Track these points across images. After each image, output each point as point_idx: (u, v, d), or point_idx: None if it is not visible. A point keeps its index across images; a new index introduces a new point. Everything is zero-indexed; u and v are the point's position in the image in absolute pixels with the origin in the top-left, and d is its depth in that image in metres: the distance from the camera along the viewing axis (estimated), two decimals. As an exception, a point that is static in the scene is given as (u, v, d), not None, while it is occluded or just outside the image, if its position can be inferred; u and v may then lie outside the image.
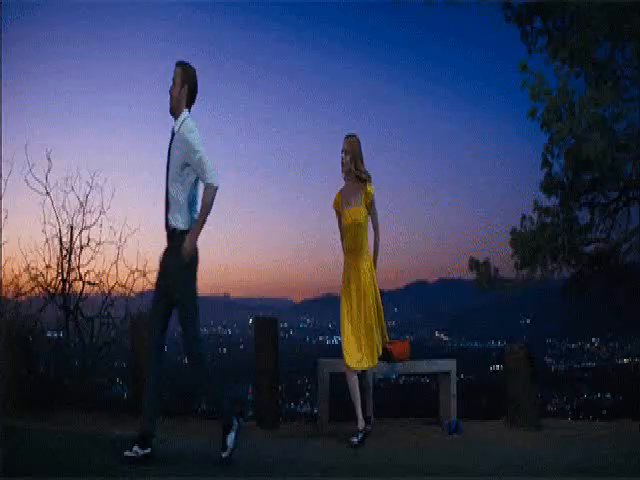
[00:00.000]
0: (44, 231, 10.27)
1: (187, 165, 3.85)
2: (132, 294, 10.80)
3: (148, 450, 3.93)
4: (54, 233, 10.16)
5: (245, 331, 64.32)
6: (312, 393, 49.12)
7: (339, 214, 4.88)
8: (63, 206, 11.07)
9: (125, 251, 10.48)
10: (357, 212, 4.71)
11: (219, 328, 64.78)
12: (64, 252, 10.20)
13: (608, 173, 7.84)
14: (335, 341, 58.65)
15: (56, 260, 10.07)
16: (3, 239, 9.93)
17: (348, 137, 4.74)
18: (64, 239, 10.20)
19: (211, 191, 3.81)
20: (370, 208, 4.77)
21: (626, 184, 8.96)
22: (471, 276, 9.30)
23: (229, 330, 64.04)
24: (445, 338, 50.25)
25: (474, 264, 9.04)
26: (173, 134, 4.01)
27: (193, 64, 4.11)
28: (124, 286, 10.72)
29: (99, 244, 10.30)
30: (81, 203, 10.44)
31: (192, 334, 4.02)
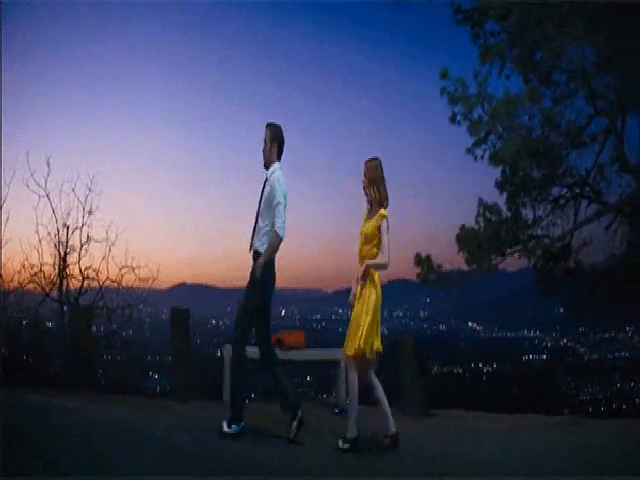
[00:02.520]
0: (37, 232, 11.78)
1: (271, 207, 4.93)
2: (122, 288, 12.35)
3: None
4: (53, 232, 11.68)
5: (278, 322, 66.07)
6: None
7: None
8: (60, 207, 12.58)
9: (114, 249, 11.98)
10: (368, 225, 4.99)
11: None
12: (60, 250, 11.72)
13: (521, 173, 8.66)
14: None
15: (52, 258, 11.58)
16: (4, 240, 11.49)
17: (367, 162, 5.11)
18: (61, 238, 11.73)
19: (276, 239, 4.86)
20: (380, 230, 4.97)
21: (575, 181, 9.80)
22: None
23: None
24: (478, 328, 50.57)
25: (419, 260, 9.95)
26: (266, 179, 5.06)
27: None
28: (115, 281, 12.22)
29: (87, 242, 11.85)
30: (82, 204, 11.95)
31: (234, 334, 5.11)
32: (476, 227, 9.89)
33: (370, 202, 5.09)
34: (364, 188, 5.09)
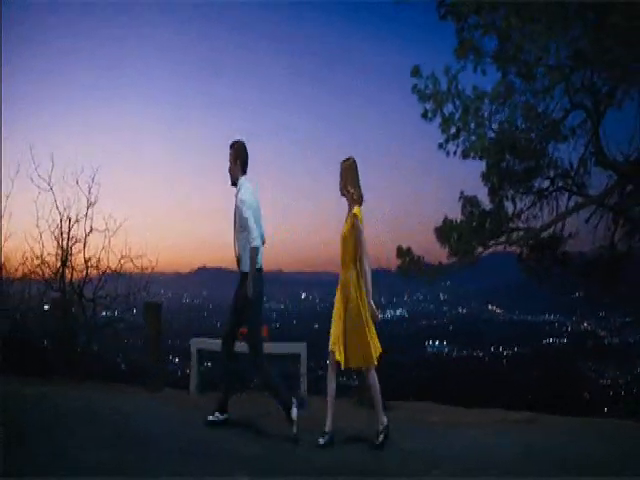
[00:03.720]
0: (37, 225, 12.34)
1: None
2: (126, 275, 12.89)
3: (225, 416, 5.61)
4: (55, 225, 12.23)
5: (297, 305, 66.55)
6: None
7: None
8: (62, 200, 13.11)
9: (114, 239, 12.53)
10: (345, 226, 5.14)
11: (272, 303, 67.66)
12: (63, 241, 12.27)
13: (503, 165, 8.85)
14: (388, 315, 59.74)
15: (55, 249, 12.14)
16: (8, 233, 12.05)
17: (342, 162, 5.23)
18: (64, 230, 12.28)
19: (253, 252, 5.19)
20: (353, 230, 5.10)
21: (557, 173, 9.93)
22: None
23: (281, 305, 66.49)
24: (498, 311, 50.59)
25: (400, 252, 10.19)
26: (235, 197, 5.40)
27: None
28: (115, 270, 12.75)
29: (90, 233, 12.39)
30: (86, 196, 12.48)
31: (256, 359, 5.64)
32: (457, 219, 10.07)
33: (346, 200, 5.24)
34: (340, 189, 5.23)
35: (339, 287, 5.26)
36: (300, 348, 7.50)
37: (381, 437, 5.29)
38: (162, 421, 5.94)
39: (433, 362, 48.23)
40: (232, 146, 5.48)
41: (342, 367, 5.20)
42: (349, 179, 5.16)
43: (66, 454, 4.57)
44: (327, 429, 5.23)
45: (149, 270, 13.99)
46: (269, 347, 7.69)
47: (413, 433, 6.28)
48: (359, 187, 5.18)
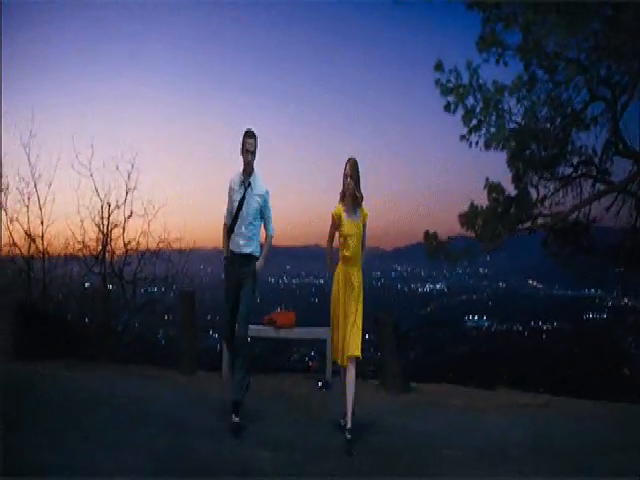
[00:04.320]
0: (79, 212, 13.08)
1: (260, 213, 5.48)
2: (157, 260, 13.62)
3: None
4: (96, 211, 12.98)
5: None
6: (401, 340, 50.90)
7: (336, 223, 5.36)
8: (102, 187, 13.83)
9: (152, 223, 13.24)
10: (358, 226, 5.30)
11: (311, 278, 68.51)
12: (104, 226, 13.01)
13: (527, 152, 9.12)
14: (427, 289, 59.99)
15: (95, 234, 12.89)
16: (51, 218, 12.80)
17: (351, 162, 5.25)
18: (104, 214, 13.03)
19: (271, 239, 5.60)
20: (364, 228, 5.40)
21: (581, 160, 10.13)
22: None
23: (321, 280, 67.15)
24: (538, 286, 50.25)
25: (427, 236, 10.60)
26: (247, 187, 5.44)
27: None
28: (154, 252, 13.48)
29: (130, 217, 13.10)
30: (125, 180, 13.19)
31: (244, 333, 5.49)
32: (483, 206, 10.37)
33: (344, 199, 5.34)
34: (348, 187, 5.26)
35: (341, 282, 5.34)
36: (326, 333, 7.69)
37: (349, 436, 5.17)
38: (194, 403, 6.54)
39: (472, 336, 48.33)
40: (254, 135, 5.42)
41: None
42: (358, 180, 5.26)
43: (111, 432, 5.23)
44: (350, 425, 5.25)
45: (187, 250, 14.75)
46: (297, 332, 8.30)
47: (430, 415, 6.76)
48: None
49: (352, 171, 5.24)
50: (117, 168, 13.92)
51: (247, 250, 5.47)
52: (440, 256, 10.59)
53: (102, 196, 12.97)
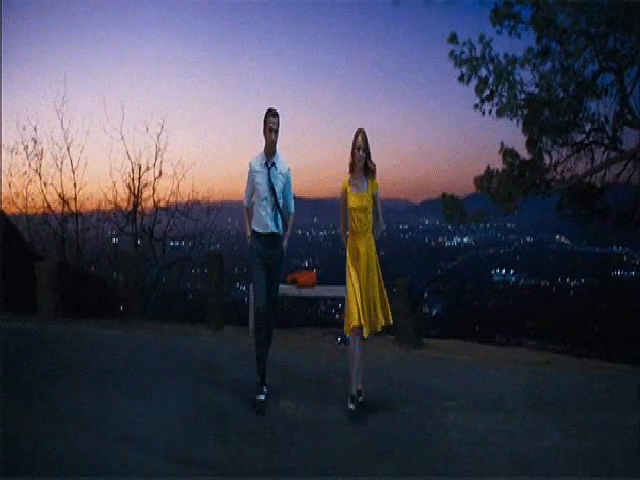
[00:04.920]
0: (111, 175, 13.85)
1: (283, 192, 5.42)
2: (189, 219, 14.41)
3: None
4: (127, 173, 13.75)
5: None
6: (430, 293, 51.83)
7: (344, 197, 5.26)
8: (133, 150, 14.56)
9: (182, 183, 13.99)
10: (364, 198, 5.15)
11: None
12: (135, 188, 13.79)
13: (542, 118, 9.55)
14: (455, 242, 60.20)
15: (127, 194, 13.70)
16: (84, 181, 13.58)
17: (362, 133, 5.14)
18: (135, 175, 13.80)
19: (293, 221, 5.65)
20: (375, 198, 5.23)
21: (593, 128, 10.50)
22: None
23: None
24: (566, 242, 50.02)
25: (444, 199, 11.14)
26: (272, 166, 5.34)
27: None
28: (183, 212, 14.28)
29: (159, 177, 13.86)
30: (155, 142, 13.90)
31: (274, 309, 5.68)
32: (498, 169, 10.84)
33: (352, 170, 5.23)
34: (360, 159, 5.14)
35: (353, 256, 5.29)
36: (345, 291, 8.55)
37: (351, 405, 5.21)
38: (223, 357, 7.30)
39: (499, 291, 48.70)
40: (277, 114, 5.26)
41: (366, 336, 5.26)
42: (368, 151, 5.17)
43: (149, 386, 6.03)
44: (353, 393, 5.29)
45: (216, 204, 15.51)
46: (317, 291, 9.01)
47: (438, 369, 7.34)
48: None
49: (363, 142, 5.11)
50: (147, 130, 14.70)
51: (275, 230, 5.41)
52: (456, 217, 11.12)
53: (133, 158, 13.77)
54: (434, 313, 48.17)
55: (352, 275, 5.25)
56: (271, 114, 5.21)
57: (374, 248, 5.31)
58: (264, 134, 5.28)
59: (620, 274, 40.65)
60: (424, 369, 7.36)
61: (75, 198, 13.22)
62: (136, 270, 10.00)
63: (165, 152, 13.94)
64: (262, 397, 5.43)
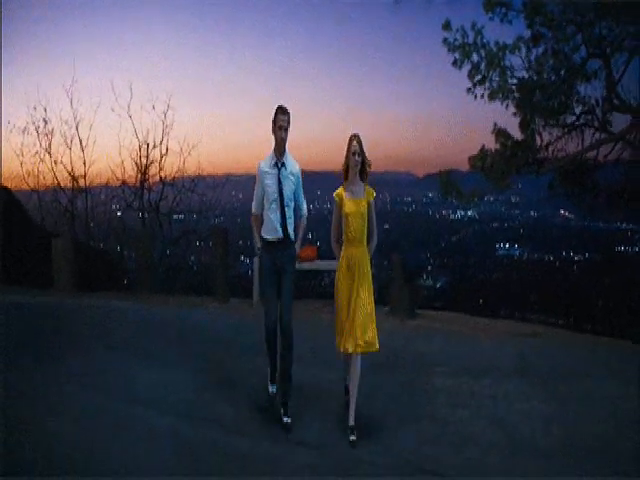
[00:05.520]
0: (120, 153, 14.46)
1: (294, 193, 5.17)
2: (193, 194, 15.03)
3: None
4: (135, 151, 14.35)
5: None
6: (434, 266, 52.41)
7: (339, 205, 5.02)
8: (140, 128, 15.13)
9: (188, 160, 14.58)
10: (360, 203, 4.93)
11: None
12: (142, 166, 14.41)
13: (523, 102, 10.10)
14: (458, 216, 60.55)
15: (135, 172, 14.32)
16: (92, 159, 14.18)
17: (357, 138, 4.95)
18: (142, 153, 14.40)
19: (304, 220, 5.36)
20: (370, 208, 5.01)
21: (583, 110, 11.03)
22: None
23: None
24: (570, 217, 50.25)
25: (441, 176, 11.73)
26: (280, 167, 5.10)
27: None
28: (189, 189, 14.91)
29: (166, 154, 14.46)
30: (162, 120, 14.48)
31: (289, 316, 5.18)
32: (492, 149, 11.40)
33: (346, 177, 5.05)
34: (358, 163, 4.96)
35: (345, 265, 5.03)
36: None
37: (352, 437, 4.78)
38: (230, 327, 7.98)
39: (503, 265, 49.16)
40: (287, 112, 5.05)
41: (360, 351, 4.94)
42: (363, 155, 4.98)
43: (161, 353, 6.70)
44: (352, 423, 4.88)
45: (221, 178, 16.11)
46: (318, 264, 9.65)
47: (430, 339, 7.98)
48: None
49: (359, 147, 4.93)
50: (154, 108, 15.28)
51: (285, 234, 5.15)
52: (453, 195, 11.73)
53: (140, 137, 14.37)
54: (438, 286, 48.98)
55: (342, 289, 5.01)
56: (281, 112, 5.00)
57: (368, 259, 5.09)
58: (273, 132, 5.07)
59: (624, 250, 40.90)
60: (417, 338, 7.97)
61: (84, 176, 13.85)
62: (143, 245, 10.61)
63: (171, 129, 14.54)
64: (288, 419, 5.02)
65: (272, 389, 5.33)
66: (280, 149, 5.11)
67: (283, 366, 5.15)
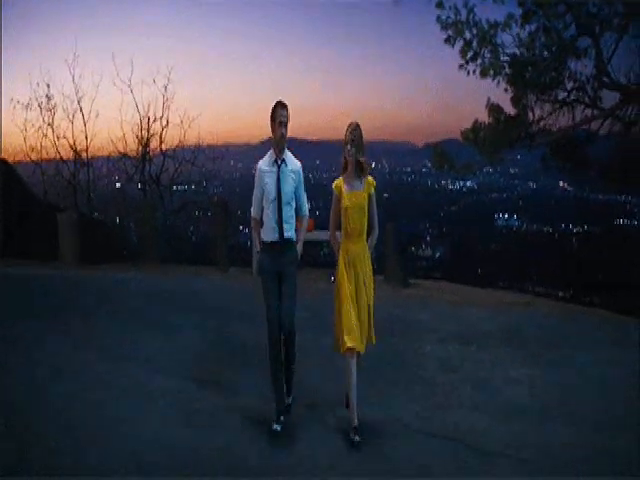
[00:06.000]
0: (122, 128, 14.78)
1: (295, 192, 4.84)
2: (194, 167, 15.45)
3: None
4: (136, 124, 14.70)
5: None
6: (433, 236, 52.68)
7: (338, 197, 4.78)
8: (142, 102, 15.42)
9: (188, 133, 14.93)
10: (360, 196, 4.70)
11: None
12: (143, 138, 14.78)
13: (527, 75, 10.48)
14: (458, 186, 60.64)
15: (136, 145, 14.71)
16: (94, 132, 14.52)
17: (352, 126, 4.68)
18: (143, 126, 14.77)
19: (307, 220, 5.07)
20: (370, 200, 4.76)
21: (573, 86, 11.40)
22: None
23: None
24: (569, 188, 50.28)
25: (434, 151, 12.14)
26: (280, 164, 4.78)
27: None
28: (189, 161, 15.31)
29: (167, 126, 14.80)
30: (162, 93, 14.82)
31: (292, 327, 4.86)
32: (484, 122, 11.78)
33: (346, 168, 4.79)
34: (352, 154, 4.69)
35: (345, 262, 4.81)
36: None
37: (356, 437, 4.52)
38: (231, 295, 8.46)
39: (502, 235, 49.46)
40: (286, 106, 4.75)
41: (362, 352, 4.75)
42: (361, 147, 4.71)
43: (168, 320, 7.17)
44: (356, 424, 4.62)
45: (221, 148, 16.50)
46: (314, 235, 10.06)
47: (423, 307, 8.41)
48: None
49: (353, 136, 4.66)
50: (154, 82, 15.61)
51: (286, 235, 4.81)
52: (446, 167, 12.16)
53: (142, 110, 14.73)
54: (437, 255, 49.44)
55: (344, 286, 4.72)
56: (280, 106, 4.68)
57: (368, 255, 4.88)
58: (272, 129, 4.75)
59: (623, 222, 41.09)
60: (410, 306, 8.42)
61: (87, 149, 14.25)
62: (144, 216, 11.08)
63: (172, 103, 14.89)
64: (277, 427, 4.68)
65: (277, 427, 4.65)
66: (280, 146, 4.80)
67: (287, 374, 4.94)
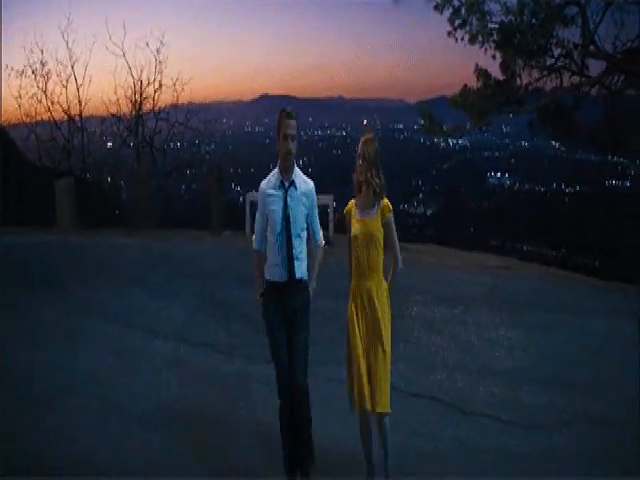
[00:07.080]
0: (116, 92, 14.96)
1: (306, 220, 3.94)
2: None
3: None
4: (129, 88, 14.92)
5: (360, 132, 67.30)
6: (426, 193, 52.77)
7: (348, 224, 3.98)
8: (134, 65, 15.60)
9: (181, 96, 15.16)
10: (372, 224, 3.86)
11: (333, 130, 69.84)
12: (136, 102, 15.02)
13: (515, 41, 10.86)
14: (450, 144, 60.76)
15: (130, 109, 14.96)
16: (88, 97, 14.73)
17: (364, 139, 3.87)
18: (136, 89, 14.99)
19: (321, 253, 4.11)
20: (387, 227, 3.89)
21: (560, 53, 11.76)
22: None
23: (343, 132, 68.18)
24: (562, 148, 50.33)
25: (423, 114, 12.54)
26: (288, 187, 3.89)
27: None
28: (182, 124, 15.59)
29: (159, 89, 15.03)
30: (155, 56, 15.00)
31: (304, 382, 3.93)
32: (473, 87, 12.16)
33: (360, 189, 3.94)
34: (360, 172, 3.89)
35: (356, 302, 3.91)
36: (328, 200, 10.19)
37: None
38: (226, 258, 8.92)
39: (494, 193, 49.80)
40: (295, 116, 3.86)
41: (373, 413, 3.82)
42: (374, 163, 3.87)
43: (166, 285, 7.63)
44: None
45: (213, 105, 16.66)
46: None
47: (408, 269, 8.70)
48: (382, 172, 3.96)
49: (364, 150, 3.86)
50: (147, 45, 15.78)
51: (297, 275, 3.91)
52: (434, 130, 12.57)
53: (135, 74, 14.93)
54: (429, 213, 49.79)
55: (354, 332, 3.86)
56: (287, 116, 3.83)
57: (386, 295, 3.94)
58: (278, 144, 3.88)
59: (615, 184, 41.40)
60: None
61: (80, 114, 14.49)
62: (140, 179, 11.46)
63: (165, 66, 15.10)
64: None
65: None
66: (287, 164, 3.89)
67: (300, 440, 3.96)
